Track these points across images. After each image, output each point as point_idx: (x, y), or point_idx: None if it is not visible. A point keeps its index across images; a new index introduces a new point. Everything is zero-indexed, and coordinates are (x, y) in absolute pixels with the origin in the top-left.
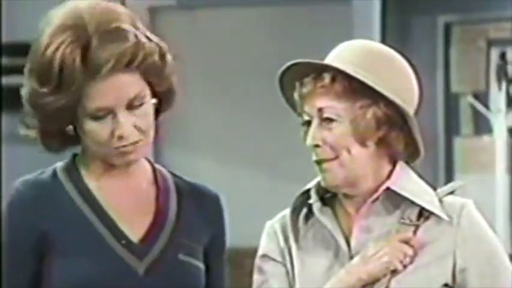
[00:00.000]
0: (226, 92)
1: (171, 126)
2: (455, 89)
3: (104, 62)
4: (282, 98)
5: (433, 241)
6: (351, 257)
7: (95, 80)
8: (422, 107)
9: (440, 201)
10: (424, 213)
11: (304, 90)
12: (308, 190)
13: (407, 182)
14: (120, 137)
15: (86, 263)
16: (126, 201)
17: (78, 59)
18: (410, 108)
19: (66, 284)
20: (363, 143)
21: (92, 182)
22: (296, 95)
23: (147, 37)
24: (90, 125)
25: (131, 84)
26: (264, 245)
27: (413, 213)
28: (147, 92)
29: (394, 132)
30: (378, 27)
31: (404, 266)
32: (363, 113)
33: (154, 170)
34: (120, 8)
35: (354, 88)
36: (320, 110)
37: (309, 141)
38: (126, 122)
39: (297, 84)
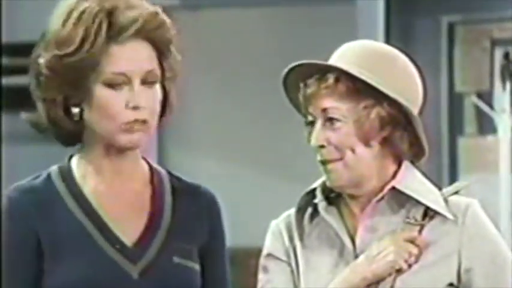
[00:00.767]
0: (229, 92)
1: (174, 125)
2: (459, 88)
3: (128, 24)
4: (285, 98)
5: (438, 240)
6: (356, 256)
7: (118, 43)
8: (426, 107)
9: (446, 201)
10: (429, 213)
11: (308, 91)
12: (313, 190)
13: (413, 181)
14: (135, 108)
15: (81, 268)
16: (121, 205)
17: (104, 21)
18: (414, 108)
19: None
20: (367, 143)
21: (86, 185)
22: (300, 96)
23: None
24: (105, 93)
25: (149, 57)
26: (269, 245)
27: (419, 212)
28: (159, 73)
29: (398, 132)
30: (381, 27)
31: (409, 266)
32: (367, 113)
33: (151, 170)
34: None
35: (358, 88)
36: (324, 110)
37: (313, 142)
38: (141, 93)
39: (301, 85)
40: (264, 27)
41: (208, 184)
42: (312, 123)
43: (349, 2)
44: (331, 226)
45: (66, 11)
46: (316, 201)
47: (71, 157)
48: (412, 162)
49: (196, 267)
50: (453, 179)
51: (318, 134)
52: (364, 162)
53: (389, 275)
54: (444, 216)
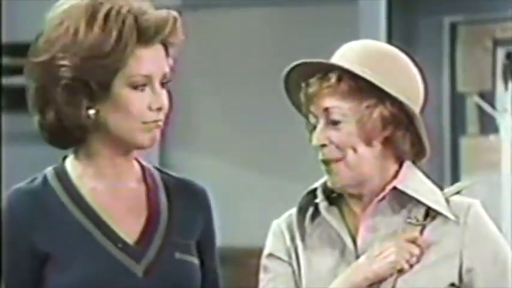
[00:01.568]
0: (230, 92)
1: (175, 125)
2: (461, 88)
3: (157, 28)
4: (287, 98)
5: (439, 241)
6: (357, 256)
7: (144, 46)
8: (428, 107)
9: (447, 201)
10: (430, 213)
11: (310, 90)
12: (314, 189)
13: (414, 181)
14: (159, 109)
15: (84, 269)
16: (118, 203)
17: (133, 24)
18: (415, 107)
19: None
20: (369, 143)
21: (83, 186)
22: (302, 96)
23: None
24: (130, 95)
25: (165, 59)
26: (270, 244)
27: (420, 212)
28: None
29: (400, 132)
30: (383, 27)
31: (411, 266)
32: (369, 112)
33: (142, 168)
34: None
35: (360, 87)
36: (326, 110)
37: (315, 141)
38: (163, 94)
39: (303, 84)
40: (265, 27)
41: (209, 184)
42: (314, 123)
43: (351, 2)
44: (332, 226)
45: (85, 11)
46: (317, 201)
47: (64, 158)
48: (414, 162)
49: (196, 261)
50: (455, 178)
51: (320, 133)
52: (366, 162)
53: (391, 275)
54: (446, 217)
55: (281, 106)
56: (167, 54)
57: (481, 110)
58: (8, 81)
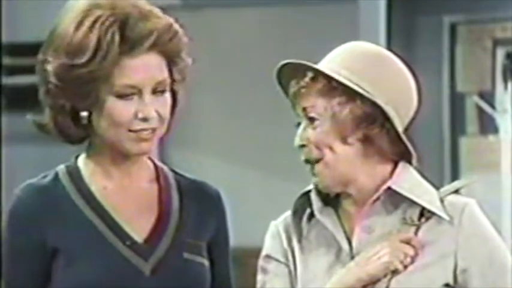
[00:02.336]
0: (231, 92)
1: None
2: (461, 88)
3: (142, 38)
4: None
5: (434, 241)
6: (352, 257)
7: (130, 56)
8: (428, 107)
9: (442, 200)
10: (425, 213)
11: (291, 90)
12: (309, 191)
13: (409, 181)
14: (144, 119)
15: (92, 266)
16: (129, 202)
17: (116, 33)
18: (402, 109)
19: (73, 287)
20: (344, 141)
21: (94, 184)
22: (289, 97)
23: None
24: (114, 104)
25: (159, 67)
26: (268, 246)
27: (415, 213)
28: (169, 81)
29: (376, 130)
30: (383, 27)
31: (405, 266)
32: (340, 109)
33: (156, 167)
34: None
35: (334, 86)
36: (304, 109)
37: (296, 142)
38: (151, 104)
39: (290, 84)
40: (265, 27)
41: (215, 184)
42: (300, 124)
43: (351, 2)
44: (327, 228)
45: (78, 16)
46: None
47: (77, 157)
48: (411, 162)
49: (206, 262)
50: (455, 179)
51: (300, 134)
52: (344, 160)
53: (385, 276)
54: (440, 217)
55: (282, 106)
56: (169, 60)
57: (480, 110)
58: (9, 81)
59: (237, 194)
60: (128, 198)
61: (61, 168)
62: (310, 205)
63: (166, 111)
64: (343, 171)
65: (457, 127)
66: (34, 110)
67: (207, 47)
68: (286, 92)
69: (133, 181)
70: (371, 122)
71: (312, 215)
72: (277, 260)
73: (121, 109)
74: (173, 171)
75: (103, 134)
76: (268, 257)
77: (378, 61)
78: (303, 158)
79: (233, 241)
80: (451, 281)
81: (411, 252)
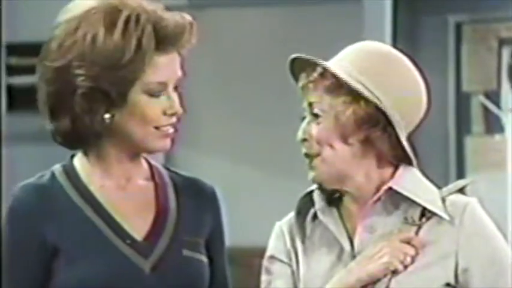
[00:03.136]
0: (236, 91)
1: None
2: (467, 88)
3: (175, 35)
4: (292, 99)
5: (435, 241)
6: (354, 257)
7: (162, 54)
8: (433, 106)
9: (444, 200)
10: (426, 213)
11: (300, 83)
12: (312, 191)
13: (410, 181)
14: (173, 114)
15: (93, 265)
16: (127, 200)
17: (152, 32)
18: (409, 113)
19: (73, 286)
20: (345, 140)
21: (91, 183)
22: (299, 90)
23: None
24: (147, 102)
25: (179, 64)
26: (272, 246)
27: (416, 213)
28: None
29: (377, 133)
30: (388, 26)
31: (405, 267)
32: (344, 109)
33: (150, 166)
34: None
35: (341, 84)
36: (310, 104)
37: (298, 135)
38: (176, 100)
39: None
40: (270, 26)
41: (212, 183)
42: (304, 119)
43: (356, 1)
44: (329, 228)
45: (103, 17)
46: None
47: (72, 156)
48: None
49: (205, 259)
50: (460, 178)
51: (303, 128)
52: (342, 159)
53: (385, 276)
54: (441, 217)
55: (287, 106)
56: (180, 57)
57: (486, 110)
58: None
59: (240, 194)
60: (125, 197)
61: (57, 167)
62: (313, 205)
63: (181, 107)
64: (339, 169)
65: (463, 127)
66: (34, 110)
67: (211, 47)
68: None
69: (131, 180)
70: (373, 125)
71: (315, 215)
72: (280, 261)
73: (152, 107)
74: (167, 168)
75: (128, 133)
76: (272, 257)
77: (389, 63)
78: (303, 151)
79: (236, 241)
80: (452, 281)
81: (411, 252)
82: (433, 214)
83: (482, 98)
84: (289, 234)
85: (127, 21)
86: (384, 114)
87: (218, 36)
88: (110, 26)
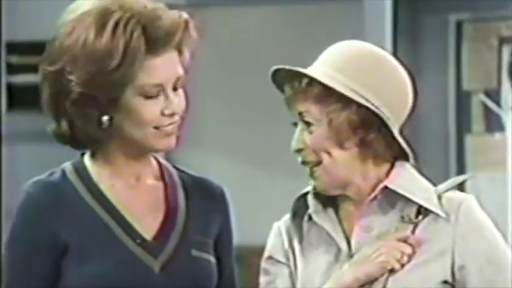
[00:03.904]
0: (237, 91)
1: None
2: (467, 86)
3: (166, 36)
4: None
5: (431, 239)
6: (351, 256)
7: (154, 56)
8: (434, 105)
9: (440, 197)
10: (422, 211)
11: (287, 94)
12: (306, 193)
13: (406, 180)
14: (172, 115)
15: (103, 263)
16: (137, 200)
17: (141, 35)
18: (397, 109)
19: (83, 284)
20: (341, 146)
21: (102, 182)
22: (284, 100)
23: None
24: (142, 104)
25: (178, 63)
26: (270, 247)
27: (412, 211)
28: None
29: (372, 134)
30: (389, 25)
31: (402, 265)
32: (337, 116)
33: (160, 165)
34: None
35: (330, 92)
36: (300, 114)
37: (293, 145)
38: (174, 100)
39: (284, 87)
40: (271, 25)
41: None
42: (296, 124)
43: (356, 1)
44: (325, 229)
45: (94, 21)
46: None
47: (82, 155)
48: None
49: (213, 259)
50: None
51: (296, 137)
52: (342, 165)
53: (382, 275)
54: (437, 214)
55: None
56: (181, 56)
57: (486, 108)
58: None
59: (241, 193)
60: (135, 196)
61: (67, 165)
62: (308, 207)
63: (184, 106)
64: (341, 175)
65: (463, 125)
66: (34, 109)
67: (211, 46)
68: (282, 91)
69: (140, 179)
70: (367, 127)
71: (311, 216)
72: (278, 262)
73: (149, 109)
74: (176, 168)
75: (128, 135)
76: (270, 258)
77: (372, 62)
78: (300, 160)
79: (238, 240)
80: (449, 279)
81: (408, 250)
82: (429, 212)
83: (482, 97)
84: (286, 235)
85: (116, 25)
86: (376, 115)
87: (218, 35)
88: (100, 30)
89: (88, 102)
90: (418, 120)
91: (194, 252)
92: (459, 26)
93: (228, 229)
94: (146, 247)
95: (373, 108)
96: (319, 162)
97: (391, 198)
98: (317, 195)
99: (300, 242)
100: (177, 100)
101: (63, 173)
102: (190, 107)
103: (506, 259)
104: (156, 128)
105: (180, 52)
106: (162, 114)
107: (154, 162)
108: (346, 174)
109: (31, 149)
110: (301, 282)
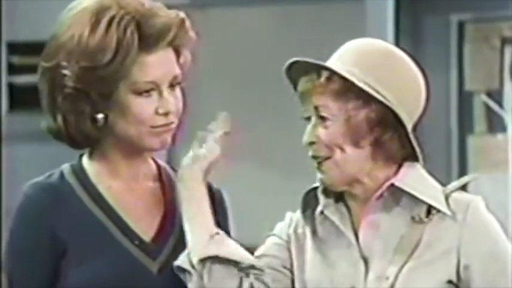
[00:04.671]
0: (238, 91)
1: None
2: (469, 87)
3: (160, 34)
4: (295, 97)
5: (438, 238)
6: (360, 251)
7: (148, 53)
8: (436, 105)
9: (447, 197)
10: (432, 211)
11: (303, 88)
12: (315, 188)
13: (413, 179)
14: (166, 114)
15: (102, 265)
16: (135, 201)
17: (135, 32)
18: (411, 109)
19: (81, 285)
20: (356, 144)
21: (100, 183)
22: (297, 92)
23: None
24: (135, 102)
25: (174, 62)
26: (276, 229)
27: (422, 210)
28: (181, 76)
29: (388, 134)
30: (391, 25)
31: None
32: (356, 113)
33: (158, 166)
34: None
35: (349, 88)
36: (316, 108)
37: (305, 138)
38: (170, 99)
39: (300, 81)
40: (272, 25)
41: (214, 182)
42: (309, 119)
43: (358, 1)
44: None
45: (90, 18)
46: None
47: (81, 156)
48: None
49: None
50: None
51: (310, 131)
52: (354, 162)
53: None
54: (444, 213)
55: (289, 105)
56: (178, 55)
57: (488, 109)
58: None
59: (242, 193)
60: (133, 198)
61: (66, 167)
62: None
63: (181, 105)
64: (351, 172)
65: (465, 126)
66: (35, 110)
67: (214, 46)
68: (294, 85)
69: (138, 180)
70: (385, 127)
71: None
72: (279, 237)
73: (142, 106)
74: (174, 169)
75: (123, 133)
76: (272, 235)
77: (389, 60)
78: (310, 154)
79: (238, 240)
80: (454, 278)
81: None
82: (437, 211)
83: (484, 97)
84: (295, 223)
85: (110, 22)
86: (394, 114)
87: (221, 35)
88: (95, 26)
89: (80, 97)
90: (420, 120)
91: None
92: (461, 26)
93: (226, 231)
94: (144, 249)
95: (393, 107)
96: (329, 157)
97: (397, 196)
98: (325, 190)
99: (314, 232)
100: (173, 99)
101: (62, 174)
102: (191, 106)
103: (510, 260)
104: (151, 127)
105: (177, 51)
106: (156, 113)
107: (152, 163)
108: (355, 172)
109: (31, 149)
110: (310, 274)
